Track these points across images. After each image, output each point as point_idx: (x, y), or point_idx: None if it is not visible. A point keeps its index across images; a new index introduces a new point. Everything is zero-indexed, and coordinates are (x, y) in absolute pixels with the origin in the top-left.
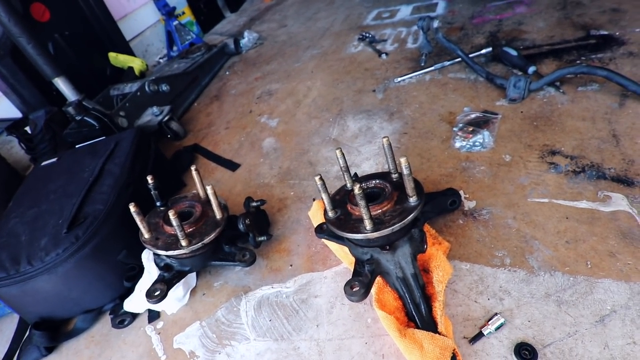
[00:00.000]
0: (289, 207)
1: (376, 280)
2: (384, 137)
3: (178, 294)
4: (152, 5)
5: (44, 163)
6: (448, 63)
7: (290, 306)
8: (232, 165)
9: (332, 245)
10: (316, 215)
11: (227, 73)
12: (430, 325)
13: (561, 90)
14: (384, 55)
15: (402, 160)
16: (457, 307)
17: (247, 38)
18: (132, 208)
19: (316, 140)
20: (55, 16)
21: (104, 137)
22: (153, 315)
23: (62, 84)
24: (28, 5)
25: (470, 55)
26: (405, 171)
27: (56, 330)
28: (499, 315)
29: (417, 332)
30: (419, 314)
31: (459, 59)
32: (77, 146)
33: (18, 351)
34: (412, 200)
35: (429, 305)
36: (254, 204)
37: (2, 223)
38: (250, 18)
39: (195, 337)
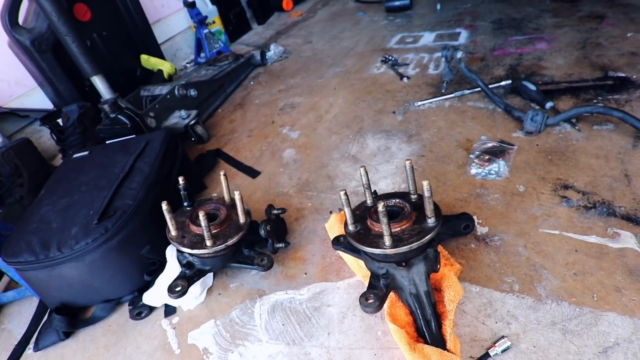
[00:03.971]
0: (306, 218)
1: (389, 294)
2: (407, 159)
3: (195, 291)
4: (184, 12)
5: (75, 155)
6: (468, 92)
7: (303, 313)
8: (252, 173)
9: (347, 258)
10: (333, 227)
11: (252, 83)
12: (439, 342)
13: (577, 128)
14: (405, 79)
15: (425, 183)
16: (465, 327)
17: (273, 51)
18: (164, 206)
19: (335, 155)
20: (95, 16)
21: (134, 136)
22: (169, 310)
23: (99, 82)
24: (72, 5)
25: (490, 86)
26: (426, 194)
27: (75, 317)
28: (505, 338)
29: (426, 347)
30: (429, 330)
31: (479, 89)
32: (107, 142)
33: (37, 333)
34: (431, 221)
35: (439, 323)
36: (275, 211)
37: (34, 209)
38: (277, 32)
39: (209, 335)
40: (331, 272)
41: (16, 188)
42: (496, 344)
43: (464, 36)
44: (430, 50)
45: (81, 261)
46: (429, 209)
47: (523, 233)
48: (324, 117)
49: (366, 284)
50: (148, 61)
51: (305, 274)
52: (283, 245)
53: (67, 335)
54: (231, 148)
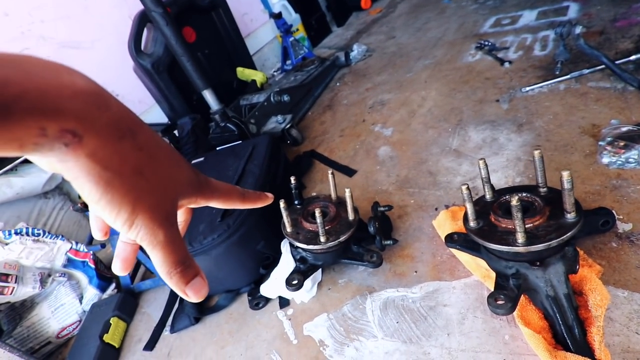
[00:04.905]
0: (410, 215)
1: None
2: (536, 149)
3: (307, 285)
4: (270, 24)
5: (194, 161)
6: (587, 71)
7: (417, 311)
8: (348, 171)
9: (463, 256)
10: (443, 225)
11: (338, 84)
12: (584, 350)
13: None
14: (506, 64)
15: (565, 174)
16: (614, 336)
17: (356, 50)
18: (281, 204)
19: (435, 150)
20: (199, 37)
21: (241, 142)
22: (284, 302)
23: (208, 95)
24: (180, 29)
25: (616, 62)
26: (566, 185)
27: (202, 305)
28: None
29: (570, 355)
30: (571, 337)
31: (601, 67)
32: (218, 148)
33: (171, 318)
34: (570, 216)
35: (584, 330)
36: (381, 208)
37: None
38: (357, 31)
39: (323, 328)
40: (444, 271)
41: None
42: None
43: (573, 10)
44: (534, 29)
45: (208, 254)
46: (569, 202)
47: None
48: (418, 111)
49: (486, 284)
50: (243, 73)
51: (416, 272)
52: (391, 242)
53: (197, 320)
54: (325, 149)
